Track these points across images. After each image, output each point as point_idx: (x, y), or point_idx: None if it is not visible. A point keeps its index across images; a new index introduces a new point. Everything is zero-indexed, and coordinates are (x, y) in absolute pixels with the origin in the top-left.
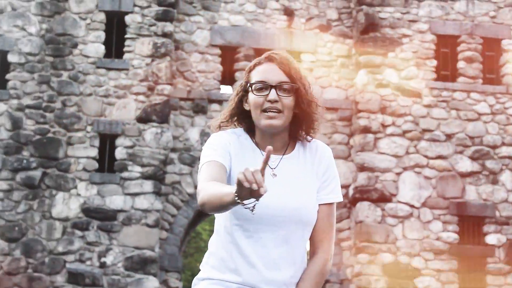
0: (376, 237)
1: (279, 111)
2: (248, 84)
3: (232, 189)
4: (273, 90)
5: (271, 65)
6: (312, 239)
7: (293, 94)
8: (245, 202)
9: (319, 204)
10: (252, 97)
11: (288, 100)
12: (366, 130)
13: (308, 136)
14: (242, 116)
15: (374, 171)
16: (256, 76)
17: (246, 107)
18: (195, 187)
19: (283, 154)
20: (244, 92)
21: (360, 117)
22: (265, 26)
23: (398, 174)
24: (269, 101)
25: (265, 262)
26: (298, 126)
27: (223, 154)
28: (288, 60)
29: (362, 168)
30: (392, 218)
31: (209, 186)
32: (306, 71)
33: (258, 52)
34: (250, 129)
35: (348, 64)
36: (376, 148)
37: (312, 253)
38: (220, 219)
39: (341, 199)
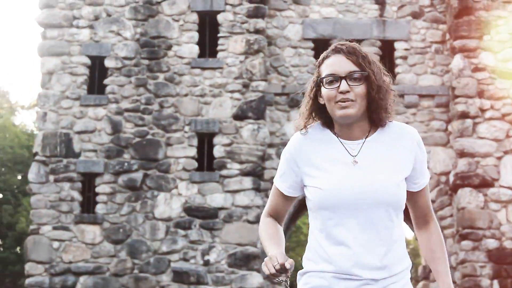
0: (479, 223)
1: (352, 101)
2: (319, 79)
3: (270, 253)
4: (343, 81)
5: (339, 56)
6: (417, 218)
7: (364, 81)
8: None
9: (419, 190)
10: (324, 91)
11: (359, 89)
12: (464, 115)
13: (382, 122)
14: (319, 111)
15: (474, 157)
16: (325, 69)
17: (321, 101)
18: None
19: (364, 141)
20: (317, 87)
21: (457, 102)
22: (357, 17)
23: (499, 158)
24: (341, 92)
25: (354, 247)
26: (374, 112)
27: (288, 172)
28: (355, 48)
29: (462, 154)
30: (495, 203)
31: (261, 229)
32: (400, 60)
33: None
34: (329, 122)
35: (442, 50)
36: (475, 133)
37: (422, 228)
38: (310, 211)
39: (428, 178)
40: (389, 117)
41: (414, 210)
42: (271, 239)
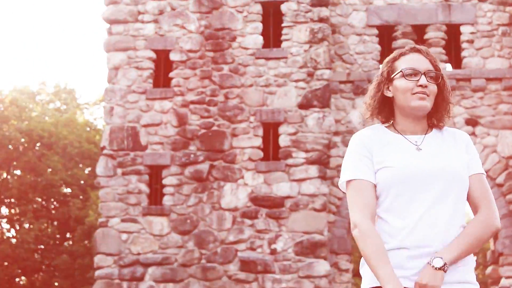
0: None
1: (428, 95)
2: (396, 72)
3: (387, 285)
4: (423, 76)
5: (418, 55)
6: (472, 205)
7: (437, 82)
8: None
9: (472, 175)
10: (401, 82)
11: (433, 87)
12: None
13: (441, 123)
14: (383, 104)
15: None
16: (404, 64)
17: (389, 94)
18: None
19: (424, 136)
20: (387, 81)
21: None
22: (422, 2)
23: None
24: (420, 85)
25: (425, 221)
26: (439, 112)
27: (365, 161)
28: (430, 52)
29: None
30: None
31: (369, 240)
32: (466, 44)
33: (416, 28)
34: (388, 119)
35: (510, 32)
36: None
37: (474, 214)
38: (378, 194)
39: (484, 173)
40: (448, 120)
41: (470, 198)
42: (382, 257)
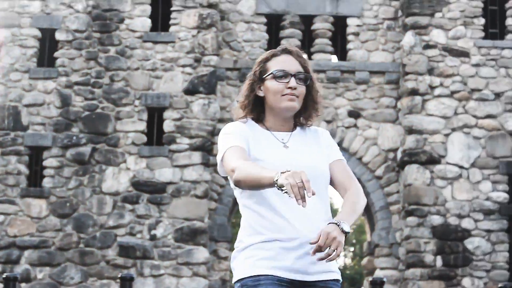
0: (425, 200)
1: (297, 96)
2: (268, 73)
3: (272, 174)
4: (293, 78)
5: (289, 56)
6: (339, 187)
7: (305, 83)
8: (283, 189)
9: (333, 161)
10: (272, 83)
11: (302, 88)
12: (413, 92)
13: (309, 122)
14: (255, 103)
15: (422, 134)
16: (276, 65)
17: (260, 93)
18: None
19: (291, 133)
20: (259, 80)
21: (407, 79)
22: None
23: (447, 135)
24: (290, 87)
25: (295, 214)
26: (308, 111)
27: (242, 140)
28: (301, 53)
29: (410, 131)
30: (441, 180)
31: (247, 166)
32: (352, 36)
33: (304, 19)
34: (259, 117)
35: (394, 27)
36: (424, 110)
37: (345, 195)
38: (244, 192)
39: (344, 160)
40: (314, 120)
41: (335, 183)
42: (263, 168)
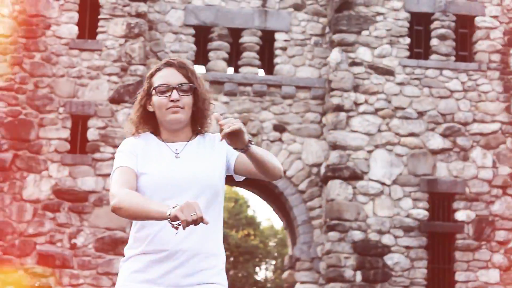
0: (347, 215)
1: (181, 108)
2: (152, 88)
3: (163, 209)
4: (174, 91)
5: (171, 69)
6: (256, 166)
7: (191, 93)
8: (174, 223)
9: (238, 156)
10: (156, 99)
11: (187, 99)
12: (338, 108)
13: (204, 129)
14: (147, 118)
15: (346, 150)
16: (158, 80)
17: (150, 109)
18: None
19: (187, 143)
20: (148, 96)
21: (333, 95)
22: (239, 6)
23: (370, 152)
24: (172, 100)
25: (167, 226)
26: (196, 122)
27: (131, 158)
28: (185, 64)
29: (334, 146)
30: (363, 195)
31: (132, 196)
32: (279, 51)
33: (233, 32)
34: (155, 130)
35: (322, 43)
36: (349, 126)
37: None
38: None
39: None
40: (207, 128)
41: (252, 170)
42: (151, 202)
